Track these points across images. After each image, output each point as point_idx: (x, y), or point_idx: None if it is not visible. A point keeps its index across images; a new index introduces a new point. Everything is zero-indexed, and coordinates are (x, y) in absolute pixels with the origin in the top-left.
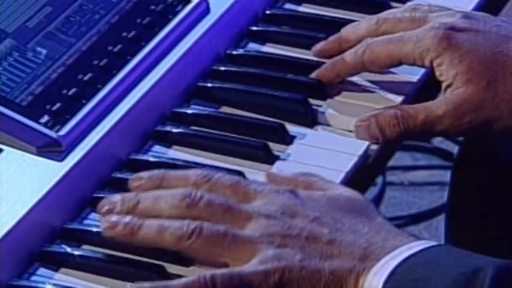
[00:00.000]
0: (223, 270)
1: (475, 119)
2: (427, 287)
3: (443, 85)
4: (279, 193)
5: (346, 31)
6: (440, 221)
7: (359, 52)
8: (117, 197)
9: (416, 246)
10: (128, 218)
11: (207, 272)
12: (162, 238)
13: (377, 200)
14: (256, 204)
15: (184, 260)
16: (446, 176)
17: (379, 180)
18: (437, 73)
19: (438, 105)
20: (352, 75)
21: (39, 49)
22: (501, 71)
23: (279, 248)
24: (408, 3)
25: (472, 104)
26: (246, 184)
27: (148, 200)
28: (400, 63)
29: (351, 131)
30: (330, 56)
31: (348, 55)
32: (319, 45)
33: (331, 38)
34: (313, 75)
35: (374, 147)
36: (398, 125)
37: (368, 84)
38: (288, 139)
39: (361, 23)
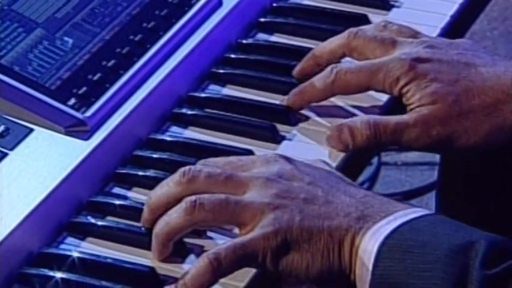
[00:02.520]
0: (225, 245)
1: (441, 131)
2: (420, 254)
3: (409, 108)
4: (275, 160)
5: (318, 49)
6: (430, 197)
7: (328, 81)
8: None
9: (411, 213)
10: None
11: (210, 252)
12: (172, 224)
13: (373, 179)
14: (255, 171)
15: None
16: (435, 156)
17: (375, 160)
18: (404, 99)
19: (408, 116)
20: (321, 101)
21: (66, 38)
22: (464, 93)
23: (278, 209)
24: (380, 20)
25: (439, 119)
26: (241, 158)
27: (157, 189)
28: (368, 90)
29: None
30: (310, 75)
31: (317, 82)
32: (297, 67)
33: (306, 57)
34: (283, 101)
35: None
36: (369, 130)
37: (330, 112)
38: (290, 121)
39: (333, 39)
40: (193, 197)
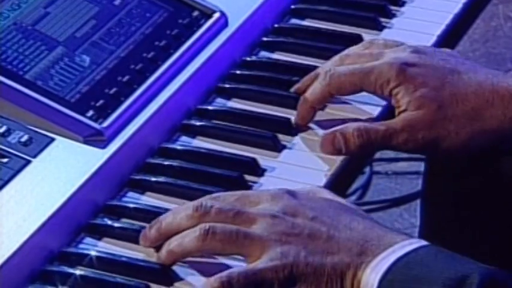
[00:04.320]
0: (239, 269)
1: (427, 135)
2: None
3: (398, 111)
4: (279, 195)
5: (319, 69)
6: (417, 204)
7: (324, 83)
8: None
9: (408, 246)
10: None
11: (224, 272)
12: (183, 247)
13: (365, 186)
14: (261, 207)
15: None
16: (423, 166)
17: (367, 169)
18: (393, 101)
19: (396, 121)
20: (321, 103)
21: (85, 55)
22: (449, 98)
23: (285, 245)
24: (366, 40)
25: (424, 123)
26: (248, 194)
27: (168, 218)
28: (361, 91)
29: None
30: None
31: (314, 87)
32: (296, 85)
33: (306, 77)
34: (294, 121)
35: (334, 168)
36: (361, 136)
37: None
38: (291, 131)
39: (328, 62)
40: (207, 225)
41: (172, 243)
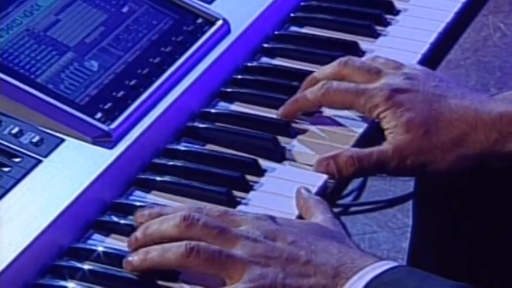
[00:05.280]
0: None
1: (415, 161)
2: None
3: (386, 133)
4: (260, 219)
5: (316, 73)
6: (410, 204)
7: (319, 93)
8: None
9: (379, 268)
10: (138, 250)
11: None
12: (165, 259)
13: (360, 188)
14: (242, 229)
15: None
16: None
17: None
18: (382, 123)
19: (387, 148)
20: (310, 110)
21: (94, 60)
22: (435, 124)
23: (264, 267)
24: (370, 55)
25: (412, 149)
26: (231, 213)
27: (155, 224)
28: (351, 109)
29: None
30: None
31: (309, 93)
32: (301, 88)
33: (306, 80)
34: (278, 112)
35: (331, 180)
36: (354, 165)
37: (326, 125)
38: (290, 133)
39: (327, 67)
40: (192, 243)
41: (152, 252)
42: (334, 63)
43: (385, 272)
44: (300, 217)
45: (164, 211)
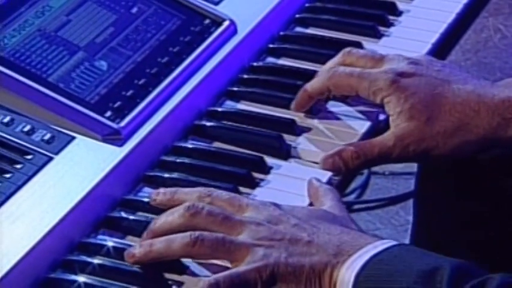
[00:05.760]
0: (224, 273)
1: (417, 148)
2: (392, 282)
3: (391, 119)
4: (265, 206)
5: (326, 65)
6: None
7: (326, 77)
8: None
9: (380, 245)
10: (142, 243)
11: (211, 278)
12: (170, 249)
13: (364, 186)
14: (247, 215)
15: None
16: None
17: (366, 170)
18: (386, 108)
19: (388, 138)
20: (320, 96)
21: (104, 60)
22: (438, 109)
23: (267, 248)
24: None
25: (414, 137)
26: (239, 198)
27: (162, 218)
28: (357, 94)
29: (317, 163)
30: None
31: (317, 79)
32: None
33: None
34: (291, 106)
35: (336, 177)
36: (359, 158)
37: (330, 123)
38: (295, 131)
39: (334, 59)
40: (196, 233)
41: (158, 244)
42: (338, 55)
43: (386, 250)
44: (311, 205)
45: (179, 190)
